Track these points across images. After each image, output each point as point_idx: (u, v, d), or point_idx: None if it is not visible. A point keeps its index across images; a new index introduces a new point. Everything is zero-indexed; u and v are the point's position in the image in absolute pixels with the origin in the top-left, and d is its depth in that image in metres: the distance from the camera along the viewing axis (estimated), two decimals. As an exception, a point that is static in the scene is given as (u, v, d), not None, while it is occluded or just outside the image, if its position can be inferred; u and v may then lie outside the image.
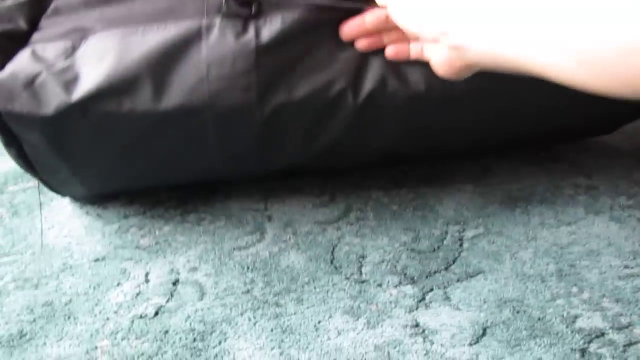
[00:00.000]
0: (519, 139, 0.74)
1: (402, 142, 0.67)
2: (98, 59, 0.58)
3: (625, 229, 0.63)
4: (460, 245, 0.62)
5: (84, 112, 0.58)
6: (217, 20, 0.57)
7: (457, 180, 0.73)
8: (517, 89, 0.62)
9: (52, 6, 0.64)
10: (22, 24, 0.61)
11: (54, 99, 0.57)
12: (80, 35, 0.59)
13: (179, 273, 0.61)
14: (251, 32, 0.57)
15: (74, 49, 0.59)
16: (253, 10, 0.57)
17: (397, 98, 0.60)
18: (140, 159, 0.64)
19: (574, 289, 0.56)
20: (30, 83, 0.57)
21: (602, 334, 0.52)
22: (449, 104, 0.62)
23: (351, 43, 0.59)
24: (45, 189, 0.71)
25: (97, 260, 0.64)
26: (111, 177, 0.68)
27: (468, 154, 0.76)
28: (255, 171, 0.70)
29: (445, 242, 0.63)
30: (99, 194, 0.73)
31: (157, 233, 0.67)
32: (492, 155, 0.77)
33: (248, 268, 0.61)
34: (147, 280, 0.60)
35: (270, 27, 0.57)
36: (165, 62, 0.57)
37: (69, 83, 0.57)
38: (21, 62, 0.58)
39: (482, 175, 0.74)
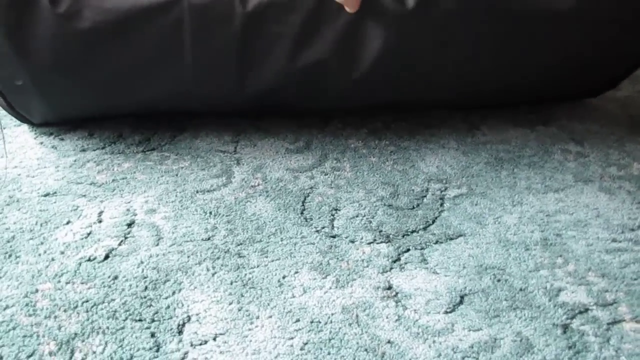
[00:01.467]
0: (508, 90, 0.70)
1: (386, 73, 0.62)
2: None
3: (615, 201, 0.60)
4: (441, 204, 0.58)
5: None
6: None
7: (442, 136, 0.69)
8: (513, 31, 0.60)
9: None
10: None
11: None
12: None
13: (135, 214, 0.56)
14: None
15: None
16: None
17: (387, 12, 0.57)
18: (107, 65, 0.59)
19: (559, 260, 0.53)
20: None
21: (586, 310, 0.48)
22: (438, 24, 0.59)
23: None
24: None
25: (47, 195, 0.59)
26: (73, 88, 0.62)
27: (456, 104, 0.72)
28: (231, 98, 0.65)
29: (425, 200, 0.59)
30: (58, 117, 0.67)
31: (115, 169, 0.62)
32: (480, 112, 0.73)
33: (211, 213, 0.56)
34: (99, 220, 0.56)
35: None
36: None
37: None
38: None
39: (468, 132, 0.70)
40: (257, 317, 0.46)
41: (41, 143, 0.67)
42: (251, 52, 0.58)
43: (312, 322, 0.46)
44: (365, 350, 0.44)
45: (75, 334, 0.44)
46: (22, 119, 0.67)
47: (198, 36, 0.56)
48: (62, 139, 0.67)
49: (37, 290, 0.48)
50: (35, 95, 0.61)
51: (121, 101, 0.65)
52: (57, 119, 0.68)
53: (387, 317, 0.47)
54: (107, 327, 0.45)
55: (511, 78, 0.67)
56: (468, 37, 0.60)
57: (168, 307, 0.47)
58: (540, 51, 0.63)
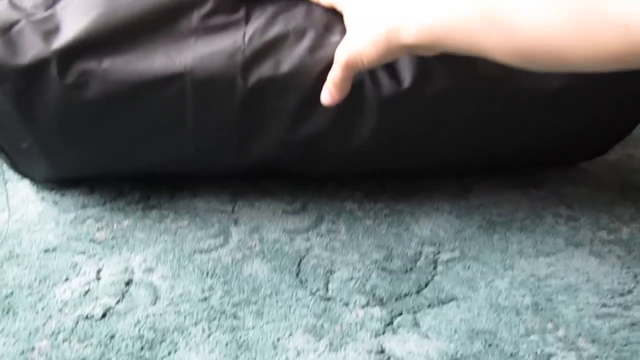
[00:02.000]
0: (500, 157, 0.72)
1: (382, 145, 0.64)
2: (83, 12, 0.56)
3: (605, 265, 0.61)
4: (434, 268, 0.59)
5: (62, 66, 0.55)
6: None
7: (436, 198, 0.70)
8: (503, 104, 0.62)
9: None
10: None
11: (31, 48, 0.55)
12: None
13: (133, 272, 0.57)
14: (242, 12, 0.58)
15: (54, 2, 0.57)
16: None
17: (384, 91, 0.58)
18: (111, 132, 0.60)
19: (550, 325, 0.54)
20: (7, 30, 0.55)
21: (576, 377, 0.49)
22: (432, 103, 0.60)
23: (340, 32, 0.58)
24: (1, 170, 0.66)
25: (47, 250, 0.60)
26: (77, 151, 0.63)
27: (450, 170, 0.74)
28: (230, 164, 0.66)
29: (418, 263, 0.60)
30: (60, 176, 0.69)
31: (115, 227, 0.63)
32: (473, 175, 0.74)
33: (208, 274, 0.57)
34: (98, 278, 0.56)
35: (261, 11, 0.59)
36: (153, 25, 0.57)
37: (49, 33, 0.55)
38: None
39: (461, 195, 0.71)
40: (251, 380, 0.47)
41: (42, 198, 0.68)
42: (251, 124, 0.59)
43: (305, 386, 0.46)
44: (358, 415, 0.44)
45: (71, 394, 0.45)
46: (25, 176, 0.69)
47: (200, 108, 0.57)
48: (63, 195, 0.68)
49: (33, 348, 0.49)
50: (39, 157, 0.63)
51: (123, 165, 0.66)
52: (59, 178, 0.69)
53: (379, 382, 0.47)
54: (103, 388, 0.45)
55: (504, 149, 0.69)
56: (462, 113, 0.61)
57: (163, 368, 0.47)
58: (533, 126, 0.65)
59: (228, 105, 0.58)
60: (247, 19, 0.58)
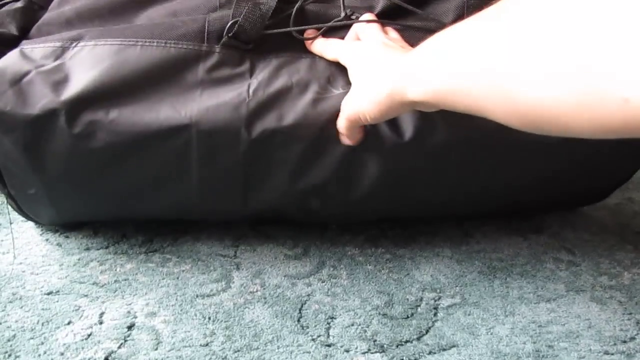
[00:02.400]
0: (501, 204, 0.73)
1: (383, 194, 0.64)
2: (91, 65, 0.57)
3: (607, 312, 0.61)
4: (435, 314, 0.60)
5: (70, 117, 0.56)
6: (217, 48, 0.59)
7: (436, 244, 0.71)
8: (505, 158, 0.63)
9: (44, 16, 0.63)
10: (12, 29, 0.61)
11: (40, 99, 0.56)
12: (71, 39, 0.59)
13: (135, 317, 0.57)
14: (247, 64, 0.60)
15: (63, 51, 0.58)
16: (251, 46, 0.60)
17: (385, 142, 0.59)
18: (117, 180, 0.61)
19: (551, 373, 0.54)
20: (18, 81, 0.56)
21: None
22: (433, 154, 0.61)
23: (343, 84, 0.59)
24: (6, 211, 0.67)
25: (50, 293, 0.60)
26: (84, 198, 0.64)
27: (451, 216, 0.74)
28: (233, 212, 0.67)
29: (419, 309, 0.60)
30: (65, 220, 0.69)
31: (118, 270, 0.64)
32: (474, 220, 0.75)
33: (210, 319, 0.57)
34: (100, 322, 0.57)
35: (265, 64, 0.60)
36: (160, 79, 0.58)
37: (58, 84, 0.56)
38: (9, 60, 0.57)
39: (462, 240, 0.71)
40: None
41: (47, 240, 0.68)
42: (254, 175, 0.60)
43: None
44: None
45: None
46: (30, 219, 0.69)
47: (204, 159, 0.58)
48: (67, 237, 0.69)
49: (35, 394, 0.49)
50: (45, 202, 0.64)
51: (128, 211, 0.67)
52: (64, 222, 0.70)
53: None
54: None
55: (504, 196, 0.70)
56: (462, 163, 0.62)
57: (164, 415, 0.47)
58: (532, 174, 0.66)
59: (232, 156, 0.59)
60: (251, 72, 0.59)
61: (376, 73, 0.52)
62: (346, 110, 0.55)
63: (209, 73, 0.59)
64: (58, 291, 0.60)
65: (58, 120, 0.56)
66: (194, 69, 0.58)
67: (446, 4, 0.63)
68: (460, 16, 0.62)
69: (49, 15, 0.64)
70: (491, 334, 0.58)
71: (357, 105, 0.54)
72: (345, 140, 0.58)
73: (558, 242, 0.73)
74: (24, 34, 0.62)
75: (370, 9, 0.63)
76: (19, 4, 0.64)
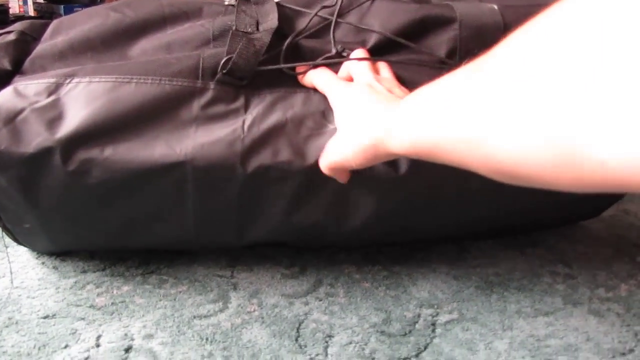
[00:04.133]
0: (497, 226, 0.73)
1: (378, 224, 0.64)
2: (86, 102, 0.57)
3: (604, 324, 0.61)
4: (433, 330, 0.59)
5: (65, 155, 0.56)
6: (211, 85, 0.59)
7: (433, 260, 0.71)
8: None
9: (37, 49, 0.63)
10: (5, 63, 0.60)
11: (35, 137, 0.55)
12: (65, 75, 0.59)
13: (133, 339, 0.57)
14: (241, 100, 0.59)
15: (57, 87, 0.58)
16: (245, 82, 0.60)
17: (380, 177, 0.59)
18: (112, 215, 0.61)
19: (550, 388, 0.53)
20: (12, 119, 0.56)
21: None
22: (427, 186, 0.61)
23: None
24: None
25: (46, 317, 0.60)
26: (79, 232, 0.65)
27: (446, 239, 0.74)
28: (229, 243, 0.67)
29: (417, 326, 0.60)
30: (60, 250, 0.69)
31: (114, 292, 0.64)
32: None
33: (207, 340, 0.57)
34: (97, 345, 0.56)
35: (260, 100, 0.60)
36: (155, 116, 0.57)
37: (53, 121, 0.56)
38: (2, 98, 0.57)
39: (458, 256, 0.72)
40: None
41: (42, 263, 0.68)
42: (249, 209, 0.60)
43: None
44: None
45: None
46: (26, 247, 0.69)
47: (200, 195, 0.59)
48: (63, 260, 0.69)
49: (33, 420, 0.49)
50: (40, 235, 0.64)
51: (123, 242, 0.67)
52: (59, 251, 0.70)
53: None
54: None
55: (501, 220, 0.70)
56: (458, 194, 0.62)
57: None
58: (529, 198, 0.66)
59: (227, 191, 0.59)
60: (246, 107, 0.59)
61: (361, 122, 0.52)
62: (331, 155, 0.55)
63: (203, 109, 0.58)
64: (54, 315, 0.60)
65: (53, 158, 0.56)
66: (188, 105, 0.58)
67: (439, 37, 0.63)
68: (454, 49, 0.62)
69: (42, 47, 0.63)
70: (490, 349, 0.57)
71: (342, 153, 0.54)
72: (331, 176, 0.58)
73: (554, 255, 0.73)
74: (18, 67, 0.61)
75: (363, 43, 0.63)
76: (11, 37, 0.64)
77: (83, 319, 0.60)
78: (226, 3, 0.67)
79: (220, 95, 0.59)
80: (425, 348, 0.57)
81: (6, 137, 0.55)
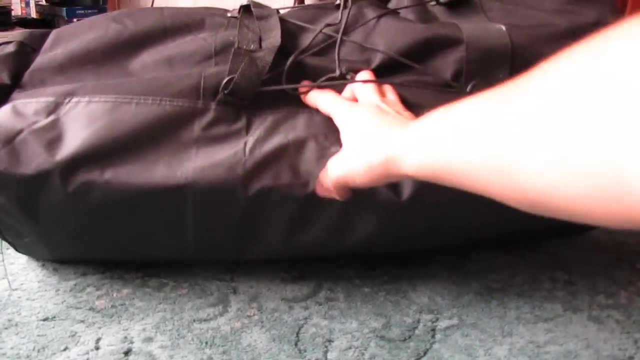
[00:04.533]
0: (500, 240, 0.74)
1: (379, 244, 0.65)
2: (86, 123, 0.56)
3: (604, 331, 0.61)
4: (433, 336, 0.59)
5: (64, 177, 0.55)
6: (213, 105, 0.59)
7: (433, 265, 0.71)
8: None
9: (36, 61, 0.62)
10: (4, 77, 0.60)
11: (34, 158, 0.55)
12: (65, 94, 0.58)
13: (132, 342, 0.57)
14: (243, 121, 0.59)
15: (57, 106, 0.57)
16: (247, 102, 0.59)
17: (382, 202, 0.58)
18: (113, 235, 0.62)
19: (549, 394, 0.53)
20: (11, 140, 0.56)
21: None
22: (431, 211, 0.61)
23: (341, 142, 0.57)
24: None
25: (46, 319, 0.60)
26: (79, 248, 0.65)
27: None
28: (229, 260, 0.68)
29: (417, 331, 0.60)
30: (60, 260, 0.69)
31: (114, 295, 0.64)
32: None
33: (207, 343, 0.57)
34: (97, 347, 0.56)
35: (262, 121, 0.59)
36: (155, 137, 0.57)
37: (52, 143, 0.56)
38: (1, 117, 0.57)
39: (458, 261, 0.72)
40: None
41: (42, 265, 0.68)
42: (250, 231, 0.60)
43: None
44: None
45: None
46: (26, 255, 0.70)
47: (200, 217, 0.58)
48: (63, 262, 0.69)
49: (31, 422, 0.49)
50: (41, 248, 0.65)
51: (123, 257, 0.68)
52: (59, 260, 0.70)
53: None
54: None
55: (505, 235, 0.71)
56: (464, 217, 0.62)
57: None
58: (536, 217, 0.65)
59: (228, 213, 0.58)
60: (247, 129, 0.58)
61: (370, 140, 0.51)
62: (335, 172, 0.54)
63: (204, 130, 0.58)
64: (54, 317, 0.60)
65: (52, 179, 0.55)
66: (189, 126, 0.58)
67: (445, 59, 0.62)
68: (459, 71, 0.62)
69: (41, 59, 0.63)
70: (489, 354, 0.57)
71: (347, 169, 0.53)
72: (328, 194, 0.57)
73: (554, 261, 0.73)
74: (17, 80, 0.61)
75: (367, 62, 0.63)
76: (10, 48, 0.64)
77: (82, 321, 0.60)
78: (229, 15, 0.67)
79: (221, 116, 0.58)
80: (425, 353, 0.57)
81: (5, 158, 0.55)
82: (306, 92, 0.61)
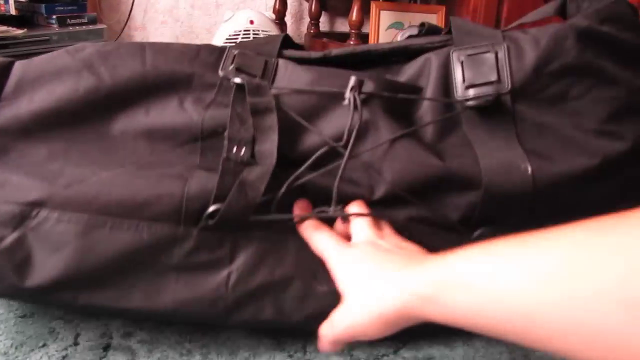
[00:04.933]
0: None
1: None
2: (56, 247, 0.52)
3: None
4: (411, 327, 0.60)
5: (36, 298, 0.56)
6: (194, 232, 0.53)
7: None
8: None
9: None
10: None
11: (4, 280, 0.52)
12: (31, 204, 0.53)
13: (111, 337, 0.57)
14: (227, 247, 0.54)
15: (22, 219, 0.52)
16: (230, 230, 0.54)
17: None
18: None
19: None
20: None
21: None
22: None
23: (329, 281, 0.52)
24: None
25: (24, 316, 0.59)
26: None
27: None
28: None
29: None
30: None
31: (93, 291, 0.63)
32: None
33: (186, 338, 0.57)
34: (76, 343, 0.56)
35: (247, 248, 0.54)
36: (133, 265, 0.53)
37: (21, 266, 0.52)
38: None
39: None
40: None
41: (21, 262, 0.68)
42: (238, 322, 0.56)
43: None
44: None
45: None
46: None
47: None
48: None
49: (9, 419, 0.48)
50: None
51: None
52: None
53: None
54: None
55: None
56: None
57: None
58: None
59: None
60: (231, 257, 0.54)
61: (375, 288, 0.46)
62: (341, 328, 0.48)
63: (185, 258, 0.53)
64: (33, 314, 0.60)
65: (24, 296, 0.56)
66: (168, 253, 0.53)
67: (456, 200, 0.57)
68: (469, 216, 0.57)
69: (3, 116, 0.57)
70: (468, 345, 0.58)
71: (356, 324, 0.47)
72: (334, 350, 0.52)
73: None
74: None
75: (370, 189, 0.57)
76: None
77: (61, 318, 0.59)
78: (221, 73, 0.61)
79: (203, 243, 0.53)
80: (404, 345, 0.58)
81: None
82: (300, 222, 0.56)
